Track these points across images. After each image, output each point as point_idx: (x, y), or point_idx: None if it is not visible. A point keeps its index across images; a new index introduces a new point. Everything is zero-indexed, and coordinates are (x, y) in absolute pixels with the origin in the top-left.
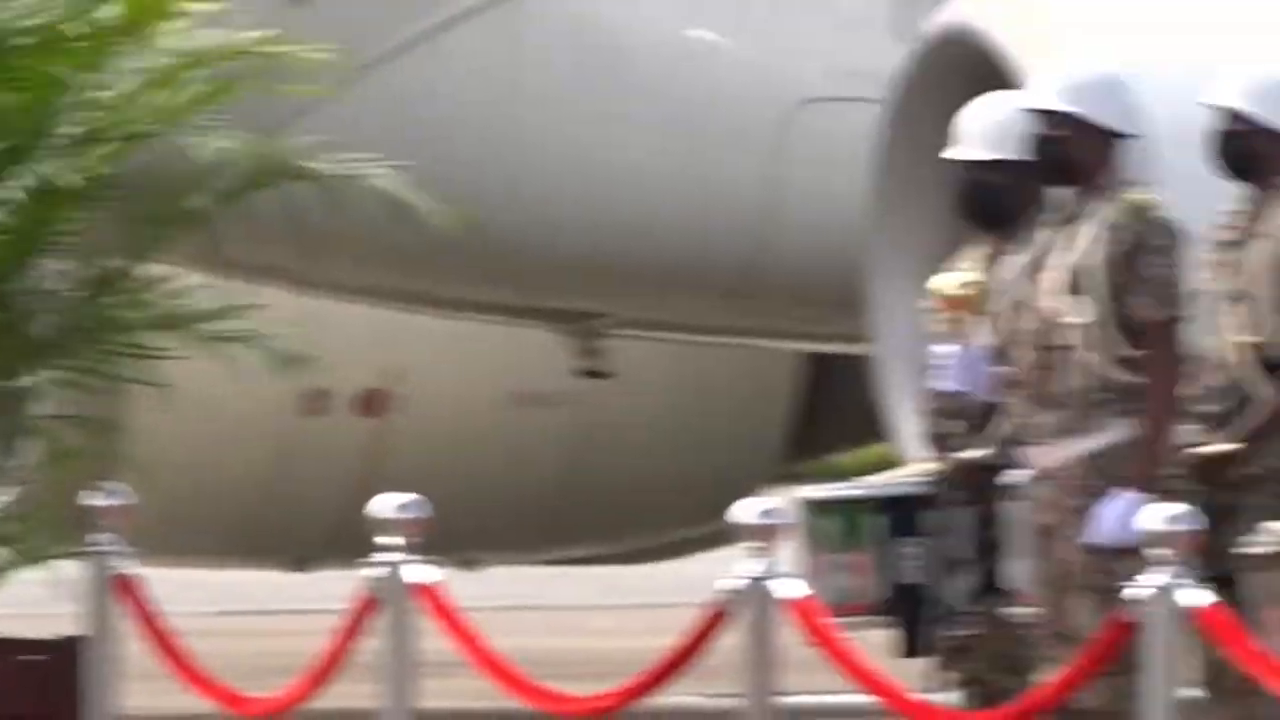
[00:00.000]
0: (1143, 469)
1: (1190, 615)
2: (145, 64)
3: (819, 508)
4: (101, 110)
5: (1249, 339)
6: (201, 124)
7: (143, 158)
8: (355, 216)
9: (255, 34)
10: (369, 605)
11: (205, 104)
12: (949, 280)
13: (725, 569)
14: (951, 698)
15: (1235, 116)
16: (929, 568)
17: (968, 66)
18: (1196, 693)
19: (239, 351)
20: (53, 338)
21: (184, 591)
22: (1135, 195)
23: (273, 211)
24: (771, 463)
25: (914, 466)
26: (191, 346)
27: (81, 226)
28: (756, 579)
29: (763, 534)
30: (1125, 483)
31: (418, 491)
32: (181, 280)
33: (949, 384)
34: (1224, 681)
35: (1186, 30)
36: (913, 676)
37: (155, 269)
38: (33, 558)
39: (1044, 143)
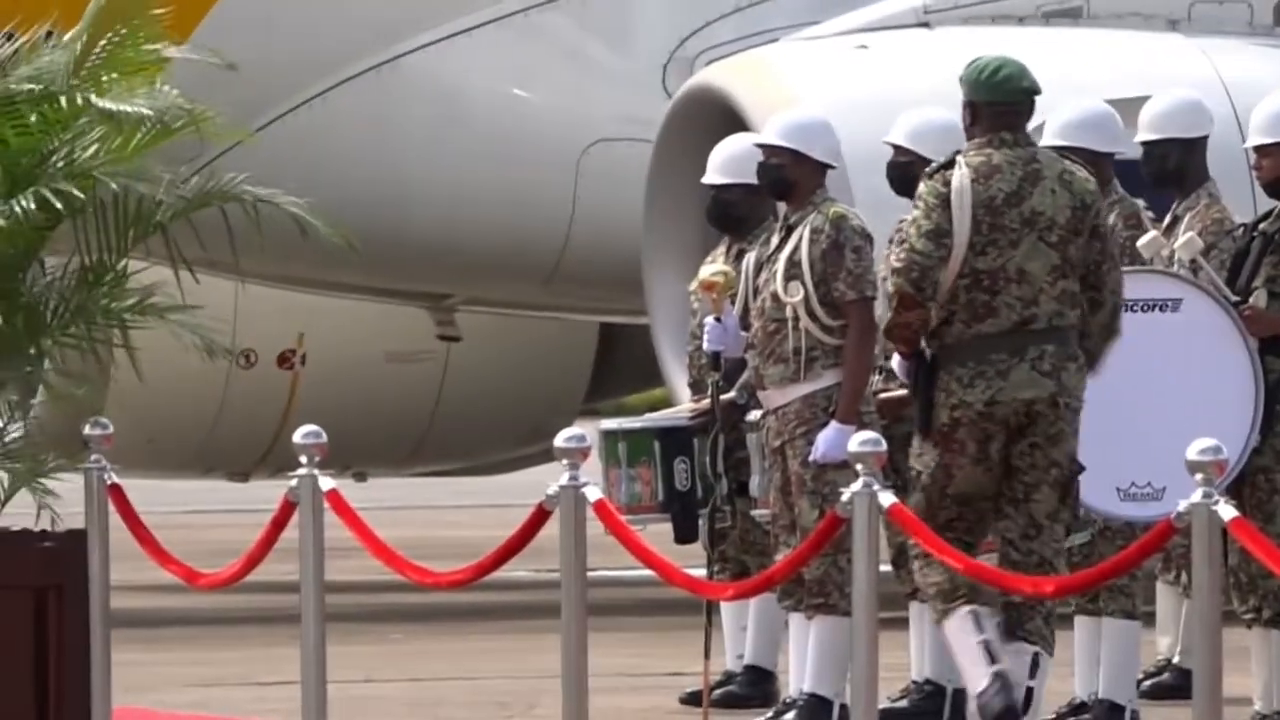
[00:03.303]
0: (845, 407)
1: (884, 511)
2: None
3: (615, 434)
4: (84, 146)
5: None
6: (153, 161)
7: (119, 182)
8: (272, 229)
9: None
10: (290, 506)
11: (154, 144)
12: (706, 270)
13: (548, 479)
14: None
15: (901, 150)
16: (695, 478)
17: (714, 114)
18: (888, 567)
19: (184, 333)
20: (56, 316)
21: (157, 495)
22: (835, 208)
23: (214, 224)
24: (579, 401)
25: (684, 405)
26: (154, 324)
27: (72, 232)
28: (570, 486)
29: (574, 454)
30: (833, 416)
31: (321, 424)
32: (146, 273)
33: (708, 346)
34: (907, 558)
35: (872, 91)
36: (684, 557)
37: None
38: (40, 474)
39: (768, 169)
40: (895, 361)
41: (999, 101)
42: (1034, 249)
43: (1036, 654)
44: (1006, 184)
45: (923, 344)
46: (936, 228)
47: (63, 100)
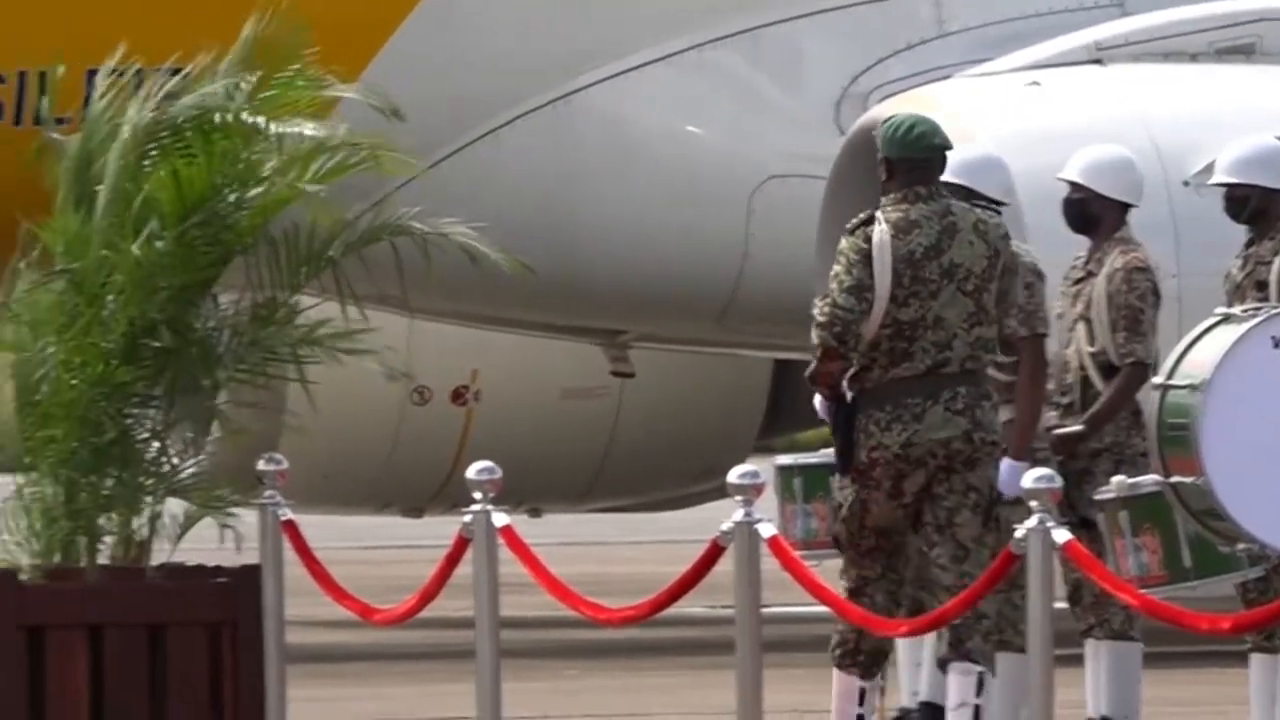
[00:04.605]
0: (1019, 443)
1: (1059, 547)
2: (286, 146)
3: (790, 470)
4: (255, 181)
5: (1091, 349)
6: (326, 193)
7: (288, 217)
8: (443, 262)
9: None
10: (464, 542)
11: (329, 179)
12: None
13: (722, 515)
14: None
15: (1076, 186)
16: None
17: None
18: (1063, 604)
19: (359, 363)
20: (229, 350)
21: (331, 531)
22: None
23: (384, 259)
24: (753, 437)
25: None
26: (326, 358)
27: (243, 268)
28: (744, 522)
29: (748, 490)
30: (1007, 453)
31: (496, 460)
32: (318, 307)
33: None
34: (1082, 595)
35: (1045, 127)
36: None
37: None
38: (215, 508)
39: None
40: (817, 401)
41: (912, 158)
42: (952, 298)
43: (981, 674)
44: (926, 238)
45: (843, 387)
46: (858, 283)
47: (230, 122)
